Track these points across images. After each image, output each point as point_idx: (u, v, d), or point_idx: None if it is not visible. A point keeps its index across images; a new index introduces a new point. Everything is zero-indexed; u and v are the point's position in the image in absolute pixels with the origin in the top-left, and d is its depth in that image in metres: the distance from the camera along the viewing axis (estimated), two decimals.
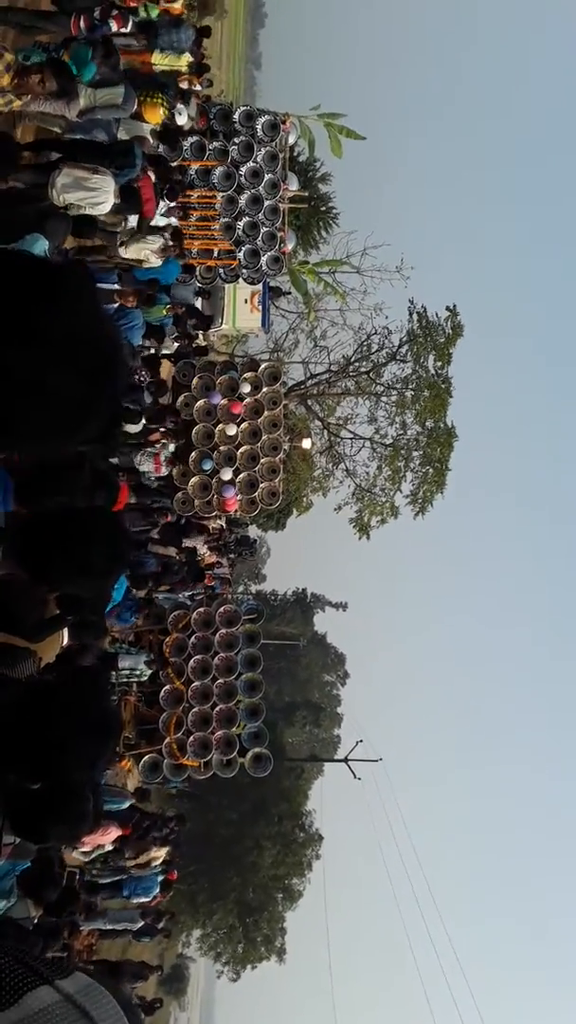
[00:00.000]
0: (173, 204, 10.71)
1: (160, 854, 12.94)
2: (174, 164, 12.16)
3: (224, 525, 17.10)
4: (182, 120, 11.27)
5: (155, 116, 8.78)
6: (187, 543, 14.65)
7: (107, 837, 10.78)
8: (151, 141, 9.48)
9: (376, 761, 33.61)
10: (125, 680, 12.57)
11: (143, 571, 12.02)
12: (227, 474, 14.44)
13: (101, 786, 10.52)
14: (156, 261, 9.54)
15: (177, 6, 10.66)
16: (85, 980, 0.98)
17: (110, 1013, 0.96)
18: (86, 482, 3.62)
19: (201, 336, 16.33)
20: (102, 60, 7.49)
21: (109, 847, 11.30)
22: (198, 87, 12.97)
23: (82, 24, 7.85)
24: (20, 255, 1.18)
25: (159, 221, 10.58)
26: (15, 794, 2.86)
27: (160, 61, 10.51)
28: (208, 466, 14.34)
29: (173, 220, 10.83)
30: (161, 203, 10.25)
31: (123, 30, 8.53)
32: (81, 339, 1.10)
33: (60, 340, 1.06)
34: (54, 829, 3.05)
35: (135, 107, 8.60)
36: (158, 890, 12.93)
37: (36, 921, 5.91)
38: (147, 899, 12.82)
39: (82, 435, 1.19)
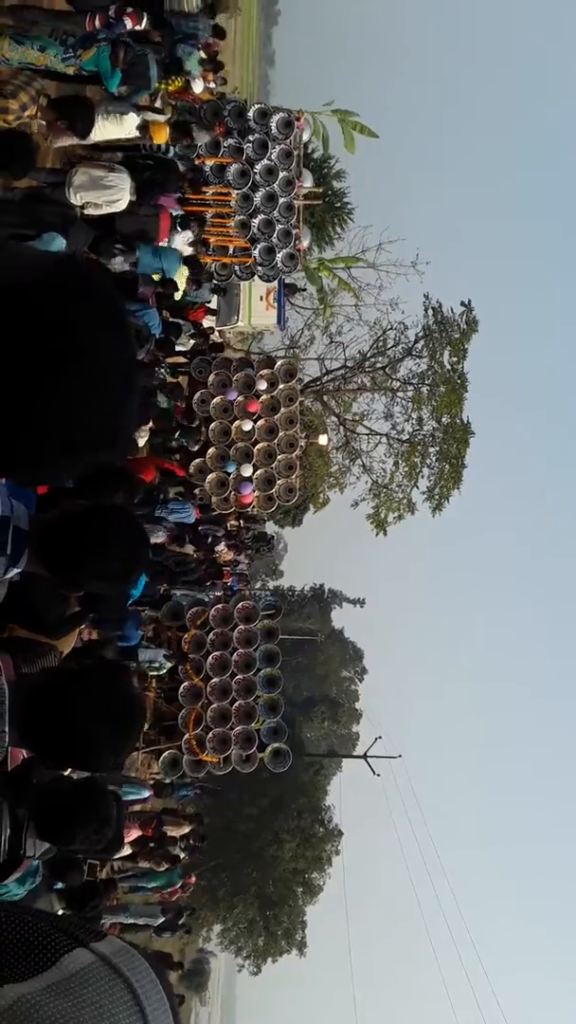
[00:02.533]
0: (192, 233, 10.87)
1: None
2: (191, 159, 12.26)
3: (241, 523, 17.14)
4: (198, 88, 11.31)
5: (161, 136, 8.81)
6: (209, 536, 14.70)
7: (128, 837, 10.87)
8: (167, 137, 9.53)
9: (396, 758, 33.63)
10: (146, 671, 12.66)
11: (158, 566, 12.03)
12: (246, 470, 14.53)
13: (123, 784, 10.68)
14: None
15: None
16: (119, 943, 1.00)
17: (144, 975, 0.98)
18: (106, 481, 3.69)
19: (217, 332, 16.41)
20: (125, 64, 7.59)
21: (127, 850, 11.37)
22: (212, 84, 13.05)
23: (97, 23, 7.93)
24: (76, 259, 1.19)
25: (179, 244, 10.66)
26: (42, 794, 2.92)
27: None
28: (232, 468, 14.44)
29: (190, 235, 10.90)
30: (179, 234, 10.35)
31: (137, 27, 8.57)
32: (109, 339, 1.10)
33: (89, 341, 1.07)
34: (81, 831, 3.12)
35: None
36: (168, 882, 13.02)
37: (59, 913, 6.00)
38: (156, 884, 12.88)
39: (123, 433, 1.18)
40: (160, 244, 9.29)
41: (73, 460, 1.10)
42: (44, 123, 6.64)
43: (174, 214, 9.83)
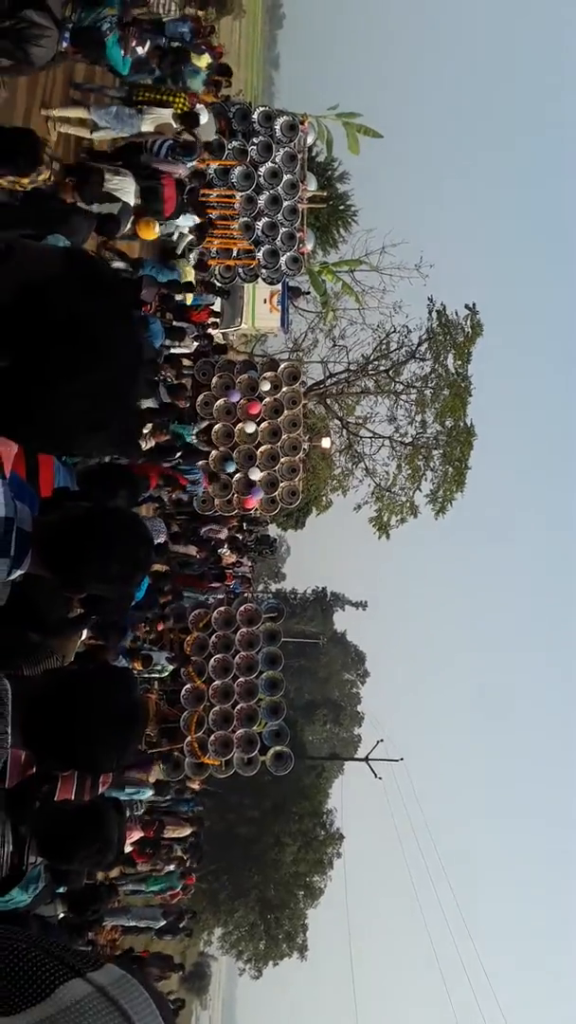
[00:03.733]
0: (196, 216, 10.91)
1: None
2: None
3: (245, 525, 17.13)
4: (204, 119, 11.35)
5: (150, 233, 8.83)
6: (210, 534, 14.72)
7: (129, 838, 10.86)
8: (175, 126, 9.54)
9: (397, 761, 33.57)
10: (147, 675, 12.65)
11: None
12: (256, 474, 14.55)
13: (124, 786, 10.67)
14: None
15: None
16: (117, 972, 0.97)
17: (143, 1006, 0.94)
18: (109, 481, 3.68)
19: (220, 334, 16.43)
20: (130, 46, 7.68)
21: (128, 848, 11.37)
22: (220, 90, 13.05)
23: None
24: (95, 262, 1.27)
25: (183, 223, 10.69)
26: (46, 813, 2.92)
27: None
28: (232, 469, 14.44)
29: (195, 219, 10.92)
30: (185, 216, 10.38)
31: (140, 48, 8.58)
32: (118, 338, 1.19)
33: (101, 336, 1.16)
34: (82, 851, 3.12)
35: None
36: (168, 885, 13.05)
37: (61, 916, 5.98)
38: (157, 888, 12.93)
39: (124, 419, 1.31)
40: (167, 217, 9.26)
41: (90, 436, 1.20)
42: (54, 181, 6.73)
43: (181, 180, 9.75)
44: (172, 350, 12.04)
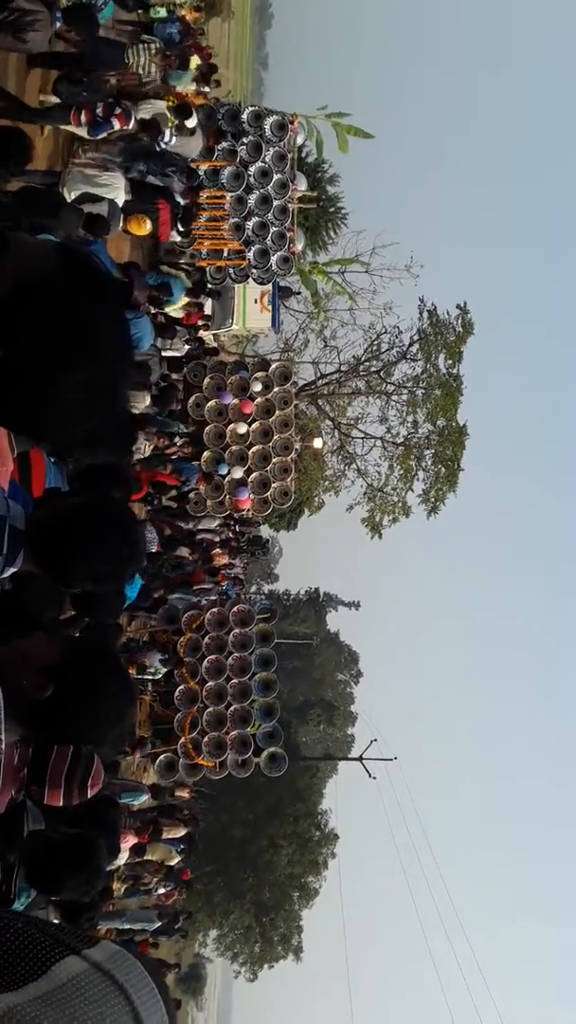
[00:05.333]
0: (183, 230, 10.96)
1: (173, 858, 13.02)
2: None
3: (237, 527, 17.12)
4: (191, 124, 11.38)
5: (141, 229, 8.79)
6: (201, 527, 14.74)
7: (124, 843, 10.82)
8: (170, 118, 9.56)
9: (391, 760, 33.55)
10: (140, 676, 12.62)
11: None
12: (238, 472, 14.52)
13: (121, 793, 10.62)
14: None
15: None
16: (112, 948, 0.99)
17: (139, 979, 0.96)
18: (101, 479, 3.66)
19: (212, 336, 16.43)
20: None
21: (124, 856, 11.31)
22: (207, 88, 13.06)
23: (83, 118, 7.86)
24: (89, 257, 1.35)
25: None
26: (34, 841, 2.90)
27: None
28: (224, 470, 14.43)
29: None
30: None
31: (126, 128, 8.50)
32: (108, 333, 1.25)
33: (91, 334, 1.22)
34: (71, 881, 3.11)
35: None
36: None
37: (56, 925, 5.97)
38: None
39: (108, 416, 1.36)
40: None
41: (84, 420, 1.29)
42: None
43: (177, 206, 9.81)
44: (164, 352, 12.04)
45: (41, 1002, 0.87)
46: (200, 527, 14.58)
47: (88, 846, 3.38)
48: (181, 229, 11.10)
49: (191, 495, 14.00)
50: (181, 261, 12.81)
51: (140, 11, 10.59)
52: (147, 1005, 0.95)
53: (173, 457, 12.27)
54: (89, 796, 2.78)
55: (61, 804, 2.71)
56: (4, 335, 1.18)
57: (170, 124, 9.59)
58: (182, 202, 10.29)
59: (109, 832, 4.56)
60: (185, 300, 11.85)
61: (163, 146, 9.39)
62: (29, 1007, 0.86)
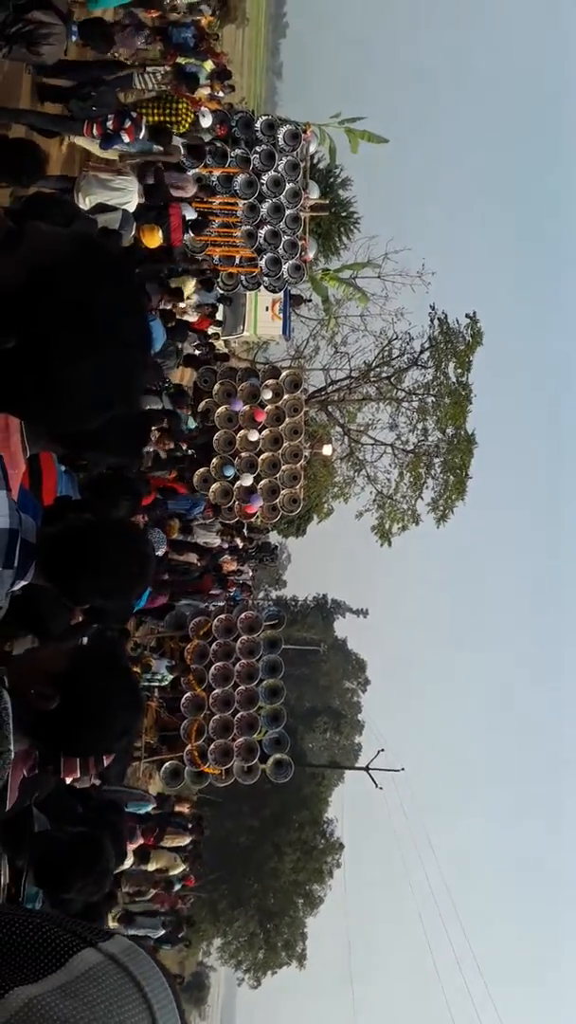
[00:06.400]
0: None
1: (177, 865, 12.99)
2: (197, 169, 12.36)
3: (245, 533, 17.11)
4: (206, 123, 11.42)
5: (153, 240, 8.83)
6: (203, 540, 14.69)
7: (129, 848, 10.81)
8: (182, 151, 9.61)
9: (399, 771, 33.41)
10: (147, 683, 12.62)
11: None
12: (248, 480, 14.53)
13: (127, 803, 10.62)
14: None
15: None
16: (126, 942, 1.04)
17: (151, 972, 1.01)
18: (111, 490, 3.67)
19: (222, 342, 16.48)
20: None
21: (130, 860, 11.30)
22: (220, 93, 13.12)
23: (95, 132, 7.97)
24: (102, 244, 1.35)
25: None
26: (42, 843, 2.90)
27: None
28: (230, 472, 14.44)
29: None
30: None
31: (134, 142, 8.57)
32: (128, 325, 1.26)
33: (110, 325, 1.22)
34: (79, 882, 3.11)
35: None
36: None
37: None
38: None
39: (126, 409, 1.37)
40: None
41: (100, 408, 1.29)
42: None
43: (187, 217, 9.87)
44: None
45: (60, 992, 0.92)
46: (201, 540, 14.56)
47: (95, 845, 3.38)
48: (192, 234, 11.15)
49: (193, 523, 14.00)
50: (192, 267, 12.83)
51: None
52: (159, 996, 1.00)
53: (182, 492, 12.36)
54: (105, 765, 2.81)
55: (79, 775, 2.73)
56: (19, 321, 1.18)
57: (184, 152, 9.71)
58: (192, 214, 10.36)
59: (115, 836, 4.56)
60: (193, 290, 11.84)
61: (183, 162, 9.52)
62: (48, 997, 0.90)
